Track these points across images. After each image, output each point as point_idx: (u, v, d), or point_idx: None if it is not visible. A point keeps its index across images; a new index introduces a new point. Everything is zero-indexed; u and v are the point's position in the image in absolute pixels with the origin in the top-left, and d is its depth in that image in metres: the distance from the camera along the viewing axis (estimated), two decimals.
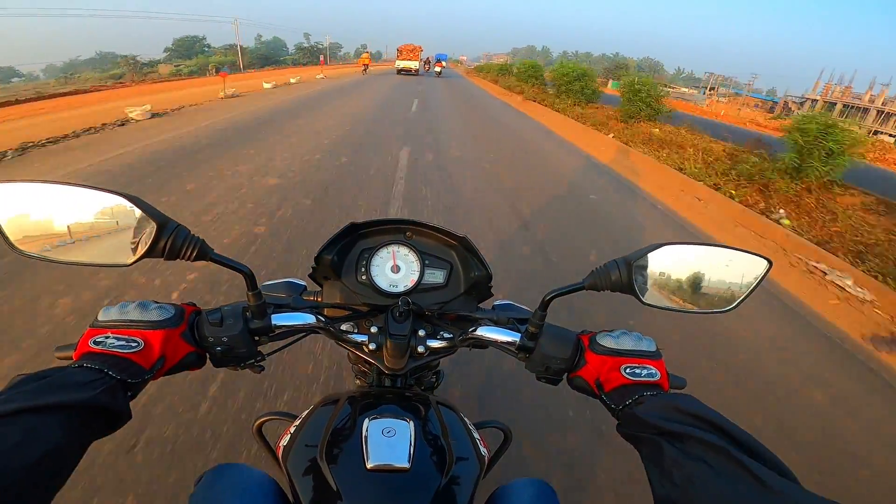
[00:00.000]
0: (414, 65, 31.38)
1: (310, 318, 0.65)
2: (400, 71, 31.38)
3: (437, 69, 39.65)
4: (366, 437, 0.54)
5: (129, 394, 0.48)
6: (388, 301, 0.73)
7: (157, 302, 0.55)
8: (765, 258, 0.57)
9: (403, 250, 0.77)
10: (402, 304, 0.67)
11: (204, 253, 0.52)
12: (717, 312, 0.59)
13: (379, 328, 0.67)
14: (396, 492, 0.51)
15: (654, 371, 0.55)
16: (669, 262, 0.57)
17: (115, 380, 0.45)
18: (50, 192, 0.48)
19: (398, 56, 32.16)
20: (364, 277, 0.76)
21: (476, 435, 0.66)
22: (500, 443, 0.81)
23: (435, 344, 0.68)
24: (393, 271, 0.77)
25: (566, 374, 0.62)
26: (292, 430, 0.64)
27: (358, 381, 0.91)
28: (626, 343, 0.58)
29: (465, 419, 0.68)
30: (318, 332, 0.67)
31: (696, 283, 0.58)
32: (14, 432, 0.35)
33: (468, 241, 0.75)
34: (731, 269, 0.57)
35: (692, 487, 0.38)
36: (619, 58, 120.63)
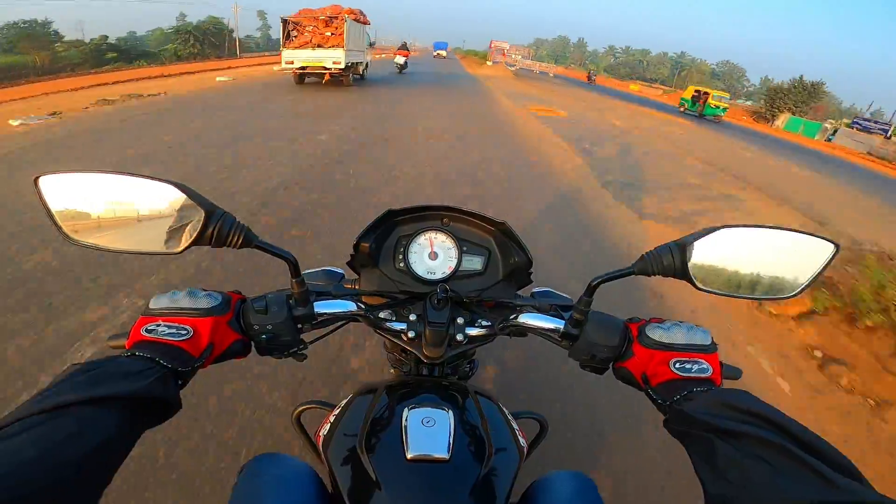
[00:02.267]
0: (332, 59, 9.76)
1: (351, 306, 0.64)
2: (302, 74, 10.57)
3: (442, 54, 44.12)
4: (405, 427, 0.54)
5: (180, 382, 0.48)
6: (426, 288, 0.72)
7: (205, 290, 0.56)
8: (832, 242, 0.53)
9: (441, 237, 0.76)
10: (440, 291, 0.66)
11: (249, 240, 0.52)
12: (778, 298, 0.55)
13: (417, 316, 0.66)
14: (435, 483, 0.50)
15: (706, 366, 0.52)
16: (726, 246, 0.53)
17: (166, 369, 0.46)
18: (98, 181, 0.49)
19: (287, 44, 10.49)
20: (402, 265, 0.75)
21: (514, 425, 0.65)
22: (535, 433, 0.80)
23: (474, 332, 0.67)
24: (431, 258, 0.76)
25: (612, 363, 0.60)
26: (332, 419, 0.64)
27: (393, 370, 0.91)
28: (678, 336, 0.55)
29: (504, 409, 0.67)
30: (359, 320, 0.67)
31: (754, 267, 0.54)
32: (68, 424, 0.35)
33: (507, 227, 0.73)
34: (793, 252, 0.54)
35: (751, 486, 0.36)
36: (685, 58, 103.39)
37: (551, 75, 41.08)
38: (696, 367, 0.52)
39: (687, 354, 0.53)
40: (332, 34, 7.75)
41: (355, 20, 8.16)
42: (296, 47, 7.64)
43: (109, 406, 0.39)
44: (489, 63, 42.65)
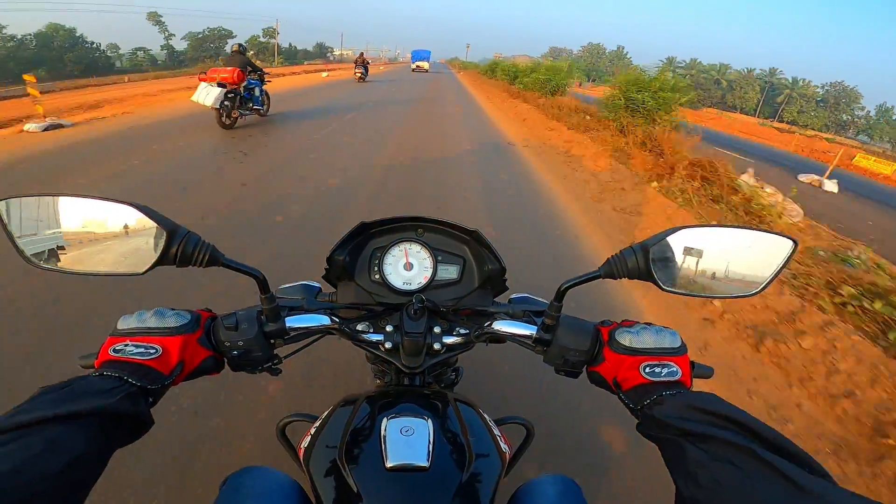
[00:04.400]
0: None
1: (324, 320, 0.64)
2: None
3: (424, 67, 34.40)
4: (384, 437, 0.54)
5: (150, 400, 0.48)
6: (402, 299, 0.72)
7: (173, 309, 0.55)
8: (790, 238, 0.54)
9: (415, 247, 0.77)
10: (416, 301, 0.66)
11: (215, 258, 0.52)
12: (741, 296, 0.57)
13: (394, 327, 0.67)
14: (416, 491, 0.50)
15: (675, 369, 0.53)
16: (688, 246, 0.55)
17: (135, 386, 0.45)
18: (59, 204, 0.48)
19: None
20: (377, 276, 0.76)
21: (497, 431, 0.65)
22: (522, 439, 0.80)
23: (451, 340, 0.68)
24: (406, 269, 0.76)
25: (586, 366, 0.61)
26: (312, 431, 0.64)
27: (378, 381, 0.91)
28: (647, 339, 0.55)
29: (485, 416, 0.67)
30: (333, 334, 0.67)
31: (717, 266, 0.56)
32: (36, 442, 0.35)
33: (480, 235, 0.74)
34: (753, 250, 0.55)
35: (720, 490, 0.36)
36: (777, 78, 72.42)
37: None
38: (665, 370, 0.52)
39: (656, 358, 0.53)
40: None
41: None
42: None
43: (79, 423, 0.38)
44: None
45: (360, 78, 19.18)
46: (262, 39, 61.65)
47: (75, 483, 0.37)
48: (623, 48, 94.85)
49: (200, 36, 56.66)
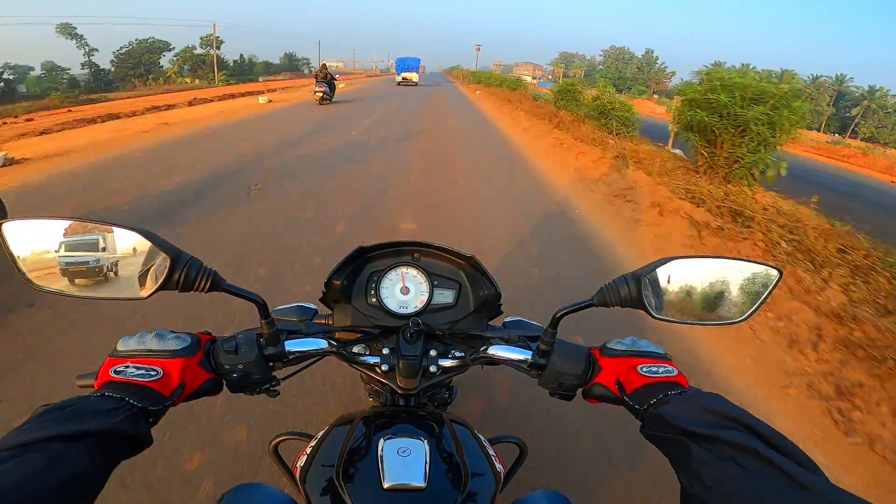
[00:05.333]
0: None
1: (322, 343, 0.65)
2: None
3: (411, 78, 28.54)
4: (381, 458, 0.54)
5: (151, 420, 0.48)
6: (398, 322, 0.73)
7: (174, 332, 0.56)
8: (775, 268, 0.57)
9: (412, 272, 0.78)
10: (412, 325, 0.67)
11: (217, 284, 0.53)
12: (729, 323, 0.59)
13: (391, 349, 0.67)
14: None
15: (670, 368, 0.55)
16: (679, 276, 0.57)
17: (136, 407, 0.46)
18: (63, 227, 0.49)
19: None
20: (374, 300, 0.77)
21: (491, 451, 0.66)
22: (515, 458, 0.80)
23: (447, 363, 0.69)
24: (402, 293, 0.77)
25: (579, 388, 0.63)
26: (308, 450, 0.64)
27: (371, 401, 0.91)
28: (637, 346, 0.59)
29: (480, 435, 0.68)
30: (331, 356, 0.68)
31: (706, 294, 0.58)
32: (39, 458, 0.36)
33: (476, 261, 0.75)
34: (740, 279, 0.58)
35: (724, 488, 0.38)
36: (843, 85, 54.15)
37: None
38: (661, 369, 0.55)
39: (650, 360, 0.57)
40: None
41: None
42: None
43: (79, 442, 0.39)
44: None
45: (322, 99, 12.93)
46: (199, 51, 44.34)
47: (76, 498, 0.37)
48: (653, 52, 71.97)
49: (125, 50, 42.28)
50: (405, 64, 34.61)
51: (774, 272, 0.57)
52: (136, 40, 42.67)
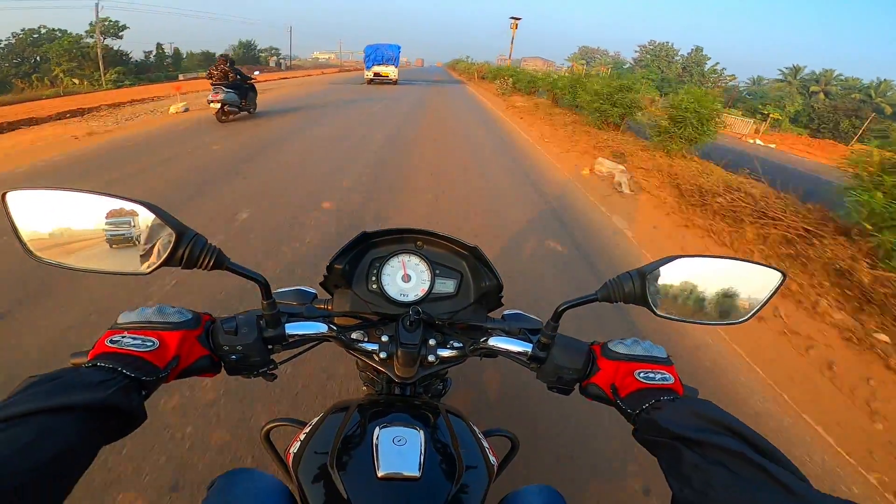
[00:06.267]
0: None
1: (322, 328, 0.65)
2: None
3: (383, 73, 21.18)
4: (376, 446, 0.54)
5: (144, 393, 0.48)
6: (398, 310, 0.73)
7: (174, 307, 0.55)
8: (779, 271, 0.57)
9: (414, 260, 0.78)
10: (412, 313, 0.67)
11: (220, 262, 0.52)
12: (730, 323, 0.59)
13: (389, 337, 0.67)
14: (407, 501, 0.51)
15: (667, 375, 0.56)
16: (683, 274, 0.57)
17: (128, 378, 0.45)
18: (67, 199, 0.48)
19: None
20: (375, 286, 0.76)
21: (485, 443, 0.66)
22: (507, 451, 0.81)
23: (445, 353, 0.69)
24: (403, 280, 0.77)
25: (578, 383, 0.63)
26: (302, 437, 0.64)
27: (365, 389, 0.91)
28: (638, 349, 0.59)
29: (474, 427, 0.68)
30: (330, 341, 0.68)
31: (708, 294, 0.58)
32: (25, 433, 0.35)
33: (479, 251, 0.75)
34: (743, 280, 0.58)
35: (713, 493, 0.38)
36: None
37: None
38: (659, 376, 0.55)
39: (649, 365, 0.56)
40: None
41: None
42: None
43: (68, 416, 0.38)
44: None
45: (221, 112, 7.66)
46: (88, 40, 29.35)
47: (61, 474, 0.36)
48: (702, 50, 53.24)
49: (4, 44, 30.32)
50: (378, 54, 23.70)
51: (778, 274, 0.57)
52: (23, 31, 30.79)
